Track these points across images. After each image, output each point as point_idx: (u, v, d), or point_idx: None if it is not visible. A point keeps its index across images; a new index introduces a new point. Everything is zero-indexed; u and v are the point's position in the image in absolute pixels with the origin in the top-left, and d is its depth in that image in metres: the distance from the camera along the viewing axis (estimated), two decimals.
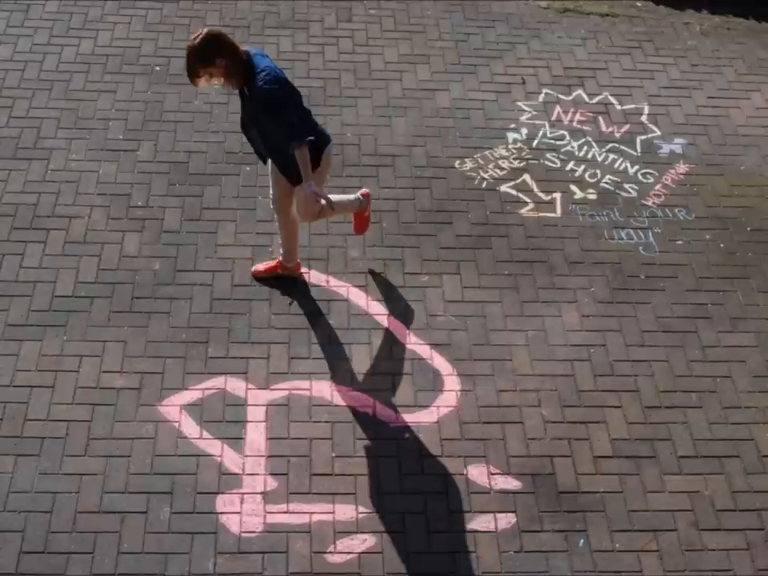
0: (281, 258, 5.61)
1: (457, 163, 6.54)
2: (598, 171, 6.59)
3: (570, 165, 6.62)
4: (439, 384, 5.27)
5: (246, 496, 4.71)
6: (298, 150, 4.77)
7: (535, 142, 6.76)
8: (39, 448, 4.80)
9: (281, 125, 4.81)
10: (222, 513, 4.63)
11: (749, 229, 6.31)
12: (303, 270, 5.73)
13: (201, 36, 4.67)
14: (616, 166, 6.66)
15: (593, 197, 6.41)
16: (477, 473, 4.89)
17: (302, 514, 4.66)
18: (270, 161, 5.22)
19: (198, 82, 4.79)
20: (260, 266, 5.65)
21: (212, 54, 4.66)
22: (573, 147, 6.76)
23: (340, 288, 5.69)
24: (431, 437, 5.02)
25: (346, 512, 4.68)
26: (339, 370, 5.28)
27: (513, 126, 6.87)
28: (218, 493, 4.71)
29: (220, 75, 4.74)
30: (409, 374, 5.30)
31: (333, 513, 4.67)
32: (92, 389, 5.07)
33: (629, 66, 7.50)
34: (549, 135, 6.83)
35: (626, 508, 4.81)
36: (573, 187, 6.47)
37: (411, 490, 4.80)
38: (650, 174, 6.62)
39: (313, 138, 4.86)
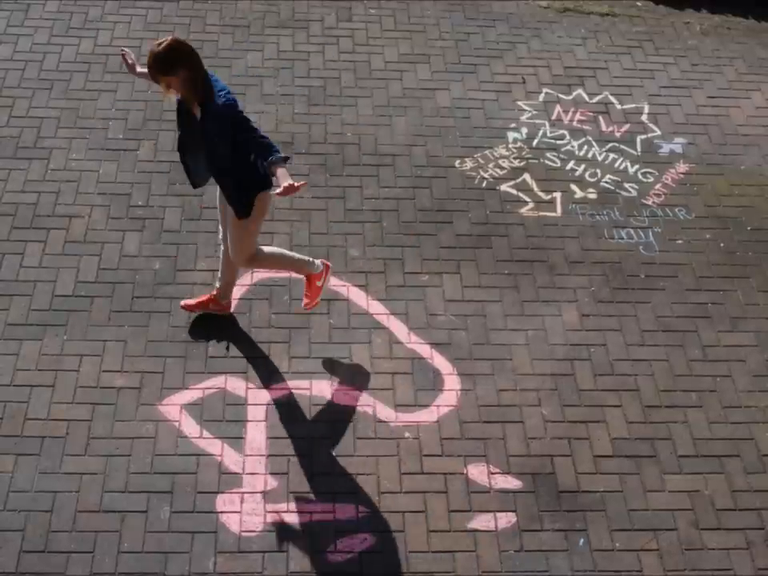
0: (215, 293, 5.38)
1: (457, 163, 6.54)
2: (598, 171, 6.59)
3: (570, 164, 6.62)
4: (439, 383, 5.27)
5: (246, 495, 4.71)
6: (280, 169, 4.39)
7: (535, 142, 6.76)
8: (39, 447, 4.80)
9: (244, 141, 4.49)
10: (222, 512, 4.64)
11: (749, 228, 6.31)
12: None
13: (165, 43, 4.37)
14: (616, 165, 6.66)
15: (593, 196, 6.41)
16: (477, 472, 4.89)
17: (302, 514, 4.66)
18: (219, 193, 4.95)
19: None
20: (190, 301, 5.39)
21: (173, 63, 4.36)
22: (573, 146, 6.75)
23: (340, 287, 5.69)
24: (431, 436, 5.02)
25: (346, 511, 4.69)
26: (339, 370, 5.28)
27: (513, 125, 6.87)
28: (218, 492, 4.71)
29: (177, 87, 4.44)
30: (409, 373, 5.30)
31: (333, 512, 4.67)
32: (92, 388, 5.08)
33: (629, 66, 7.50)
34: (549, 135, 6.83)
35: (626, 507, 4.81)
36: (573, 187, 6.46)
37: (411, 489, 4.80)
38: (650, 173, 6.62)
39: (288, 156, 4.53)
